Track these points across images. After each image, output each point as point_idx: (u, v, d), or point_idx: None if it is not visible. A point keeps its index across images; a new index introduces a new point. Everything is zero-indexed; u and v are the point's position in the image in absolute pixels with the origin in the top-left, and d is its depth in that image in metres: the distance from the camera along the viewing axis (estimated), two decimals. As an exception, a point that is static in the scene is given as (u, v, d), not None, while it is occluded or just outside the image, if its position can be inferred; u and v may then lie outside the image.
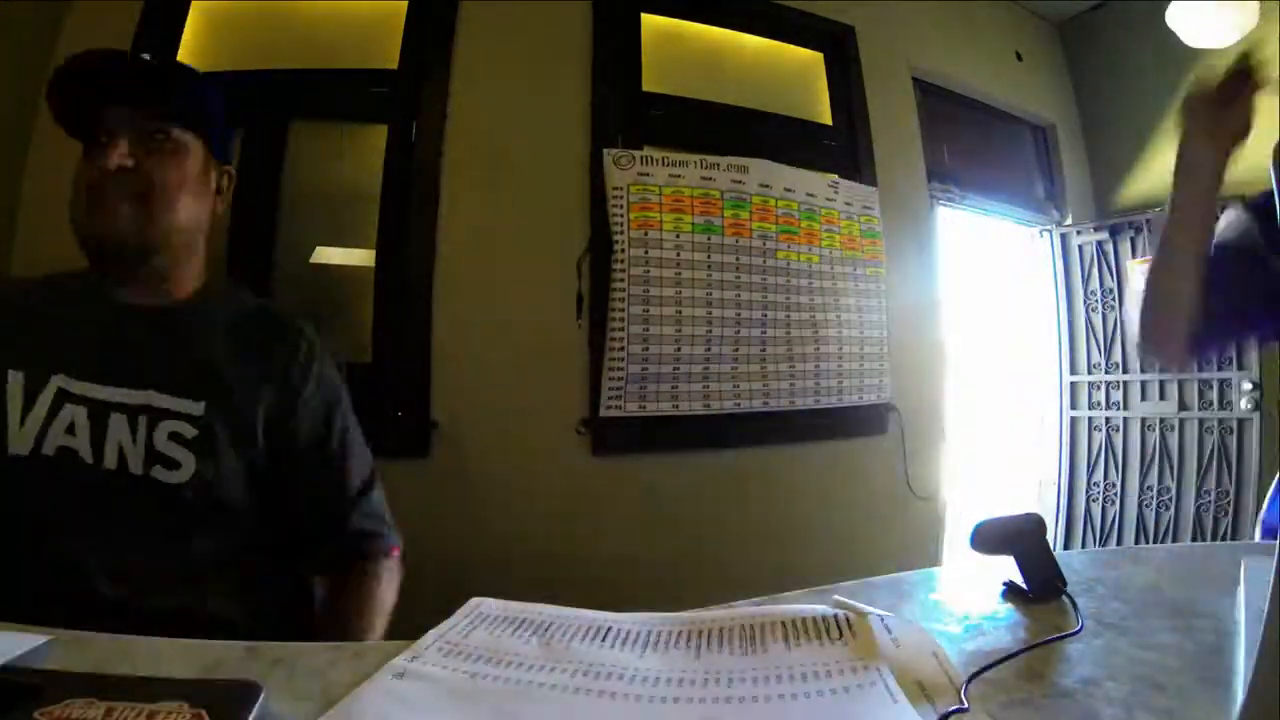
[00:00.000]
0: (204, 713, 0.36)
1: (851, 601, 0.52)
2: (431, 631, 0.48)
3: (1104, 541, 2.79)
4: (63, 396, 0.70)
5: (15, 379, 0.70)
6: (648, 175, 1.95)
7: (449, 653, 0.45)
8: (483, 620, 0.50)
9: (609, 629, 0.49)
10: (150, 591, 0.69)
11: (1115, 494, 2.80)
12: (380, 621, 0.80)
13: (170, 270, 0.79)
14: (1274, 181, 0.61)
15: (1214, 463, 2.56)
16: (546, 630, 0.48)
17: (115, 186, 0.72)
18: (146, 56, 0.83)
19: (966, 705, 0.39)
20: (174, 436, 0.72)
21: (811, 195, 2.19)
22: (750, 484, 2.05)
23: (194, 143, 0.79)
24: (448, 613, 0.52)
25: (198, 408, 0.73)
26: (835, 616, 0.49)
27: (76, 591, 0.67)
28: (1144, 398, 2.75)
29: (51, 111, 0.76)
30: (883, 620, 0.49)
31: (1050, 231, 3.04)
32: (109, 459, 0.70)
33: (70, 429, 0.70)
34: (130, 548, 0.70)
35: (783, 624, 0.48)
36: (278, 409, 0.79)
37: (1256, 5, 2.16)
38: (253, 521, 0.77)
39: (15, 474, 0.69)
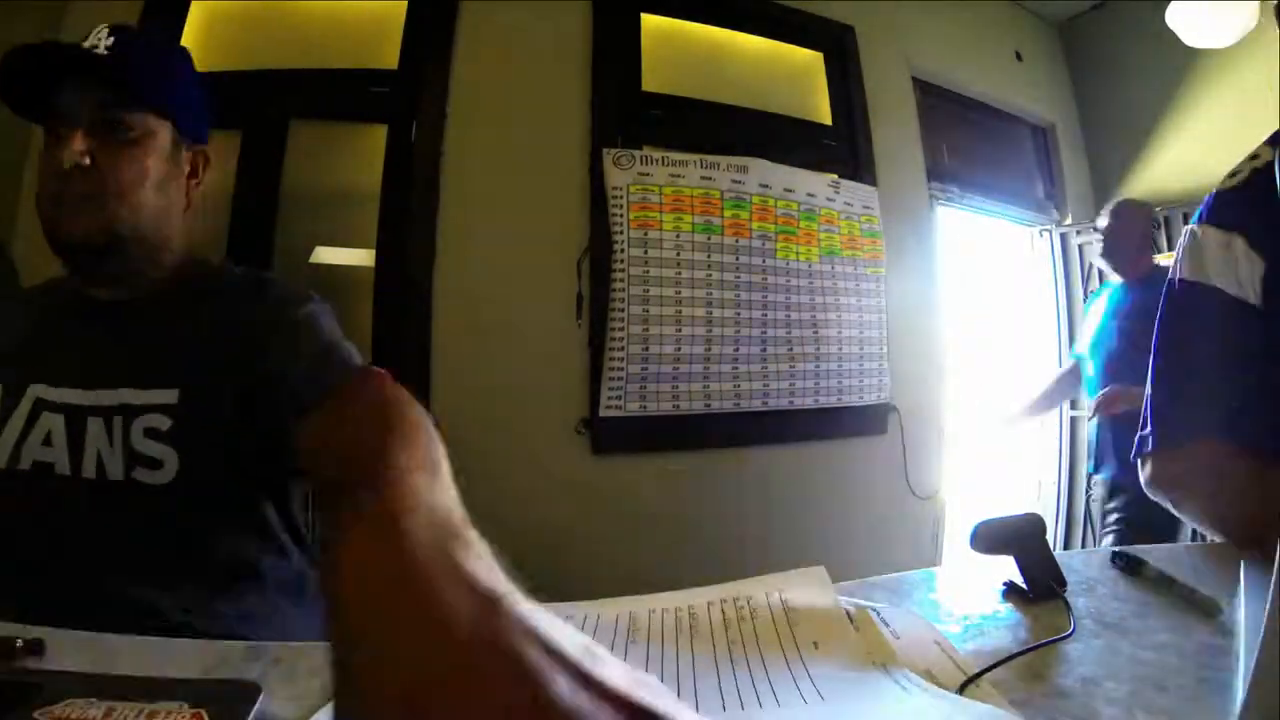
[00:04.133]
0: (204, 713, 0.36)
1: (843, 597, 0.52)
2: None
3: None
4: (40, 405, 0.67)
5: None
6: (648, 175, 1.95)
7: None
8: None
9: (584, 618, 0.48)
10: (151, 597, 0.65)
11: (1115, 494, 2.80)
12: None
13: (140, 265, 0.74)
14: (1278, 176, 0.61)
15: (1214, 463, 2.55)
16: None
17: (71, 186, 0.67)
18: (105, 32, 0.69)
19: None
20: (150, 432, 0.66)
21: (811, 195, 2.19)
22: (750, 484, 2.05)
23: (159, 126, 0.72)
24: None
25: (171, 395, 0.67)
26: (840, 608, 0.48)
27: (66, 604, 0.60)
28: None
29: (4, 100, 0.69)
30: (878, 613, 0.48)
31: (1050, 231, 3.04)
32: (87, 467, 0.66)
33: (47, 439, 0.66)
34: (121, 555, 0.66)
35: (783, 609, 0.48)
36: (264, 371, 0.69)
37: (1256, 5, 2.16)
38: (252, 500, 0.73)
39: None
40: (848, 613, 0.48)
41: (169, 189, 0.74)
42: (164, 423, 0.67)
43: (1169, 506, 0.73)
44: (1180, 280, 0.73)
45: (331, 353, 0.71)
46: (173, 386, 0.68)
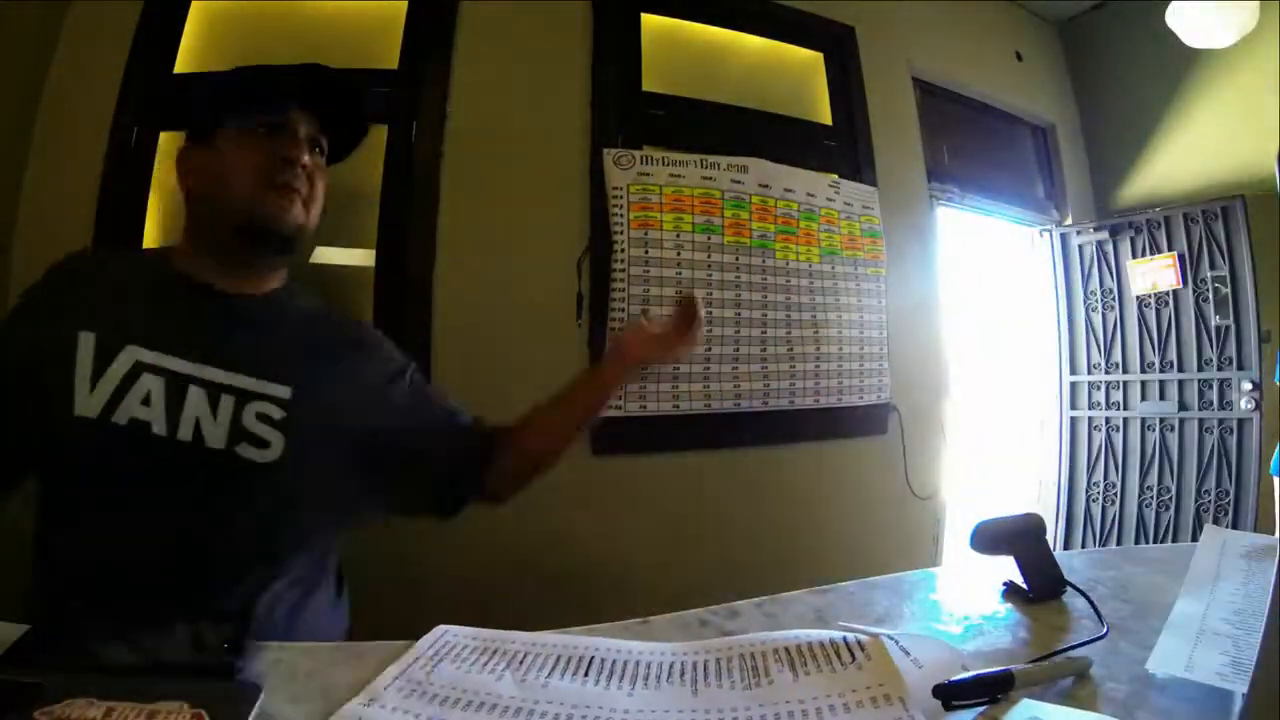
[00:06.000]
0: (204, 713, 0.36)
1: (855, 625, 0.49)
2: (391, 667, 0.43)
3: (1104, 541, 2.79)
4: (140, 367, 0.69)
5: (86, 340, 0.69)
6: (648, 175, 1.95)
7: (411, 693, 0.40)
8: (448, 651, 0.45)
9: (590, 659, 0.43)
10: (223, 570, 0.70)
11: (1115, 494, 2.80)
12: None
13: (287, 260, 0.84)
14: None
15: (1214, 462, 2.56)
16: (521, 663, 0.43)
17: (295, 181, 0.77)
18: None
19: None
20: (261, 417, 0.72)
21: (811, 195, 2.19)
22: (750, 484, 2.05)
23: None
24: (446, 615, 0.52)
25: (284, 391, 0.74)
26: (845, 640, 0.45)
27: (128, 568, 0.67)
28: (1144, 397, 2.75)
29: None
30: (896, 641, 0.45)
31: (1050, 231, 3.04)
32: (184, 432, 0.69)
33: (146, 400, 0.68)
34: (208, 523, 0.70)
35: (787, 650, 0.43)
36: (374, 382, 0.85)
37: (1256, 5, 2.16)
38: (341, 505, 0.81)
39: (81, 438, 0.67)
40: (859, 641, 0.44)
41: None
42: (277, 412, 0.73)
43: None
44: None
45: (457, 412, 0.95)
46: (286, 384, 0.75)
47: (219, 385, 0.71)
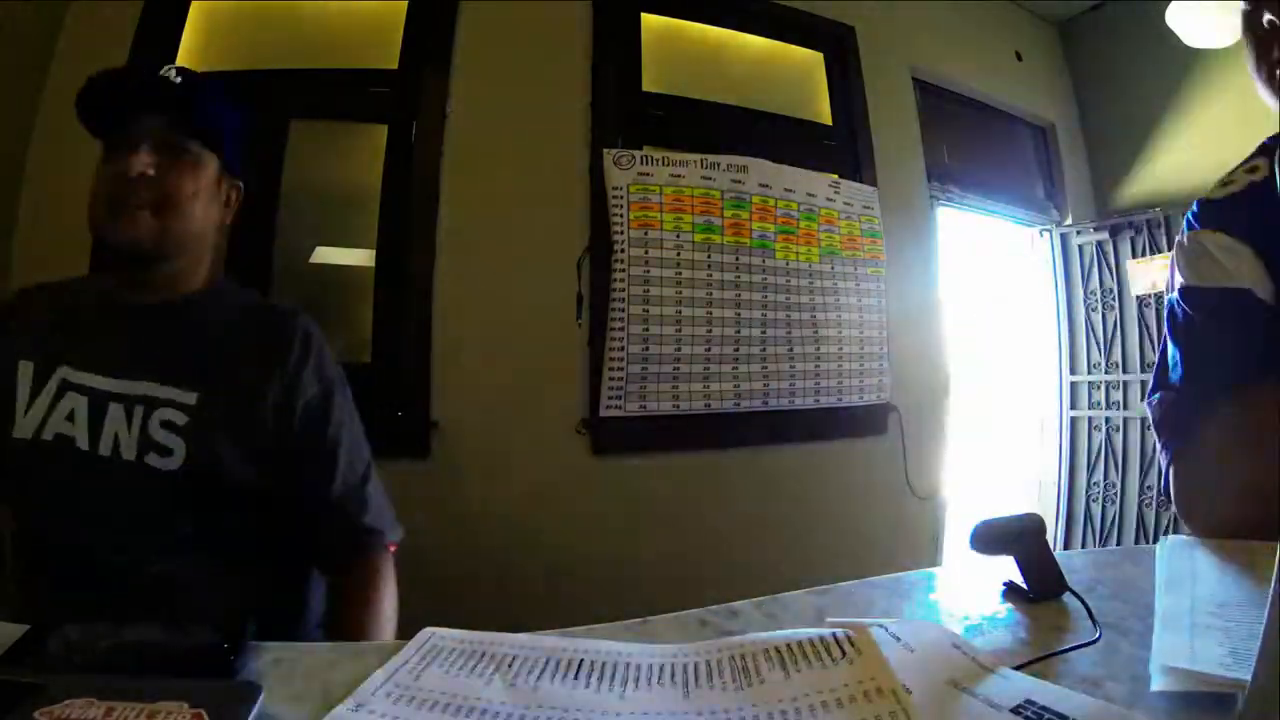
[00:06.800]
0: (204, 713, 0.36)
1: (844, 619, 0.48)
2: (378, 672, 0.42)
3: (1104, 541, 2.79)
4: (65, 386, 0.75)
5: (25, 368, 0.76)
6: (648, 175, 1.95)
7: (399, 698, 0.39)
8: (436, 655, 0.44)
9: (581, 662, 0.43)
10: (141, 561, 0.73)
11: (1115, 494, 2.80)
12: (387, 625, 0.81)
13: (176, 273, 0.83)
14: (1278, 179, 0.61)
15: (1214, 463, 2.55)
16: (510, 667, 0.43)
17: (136, 192, 0.76)
18: (173, 70, 0.81)
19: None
20: (166, 425, 0.75)
21: (811, 195, 2.19)
22: (750, 484, 2.05)
23: (209, 157, 0.83)
24: (446, 613, 0.52)
25: (190, 397, 0.76)
26: (834, 635, 0.44)
27: (74, 563, 0.73)
28: (1144, 397, 2.74)
29: (78, 113, 0.78)
30: (886, 629, 0.45)
31: (1050, 231, 3.04)
32: (104, 447, 0.74)
33: (70, 417, 0.74)
34: (122, 528, 0.74)
35: (777, 649, 0.43)
36: (278, 397, 0.80)
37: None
38: (261, 504, 0.80)
39: (19, 456, 0.74)
40: (848, 636, 0.44)
41: (211, 210, 0.85)
42: (180, 418, 0.75)
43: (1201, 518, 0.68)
44: (1187, 288, 0.71)
45: (370, 499, 0.85)
46: (193, 389, 0.77)
47: (132, 397, 0.75)
